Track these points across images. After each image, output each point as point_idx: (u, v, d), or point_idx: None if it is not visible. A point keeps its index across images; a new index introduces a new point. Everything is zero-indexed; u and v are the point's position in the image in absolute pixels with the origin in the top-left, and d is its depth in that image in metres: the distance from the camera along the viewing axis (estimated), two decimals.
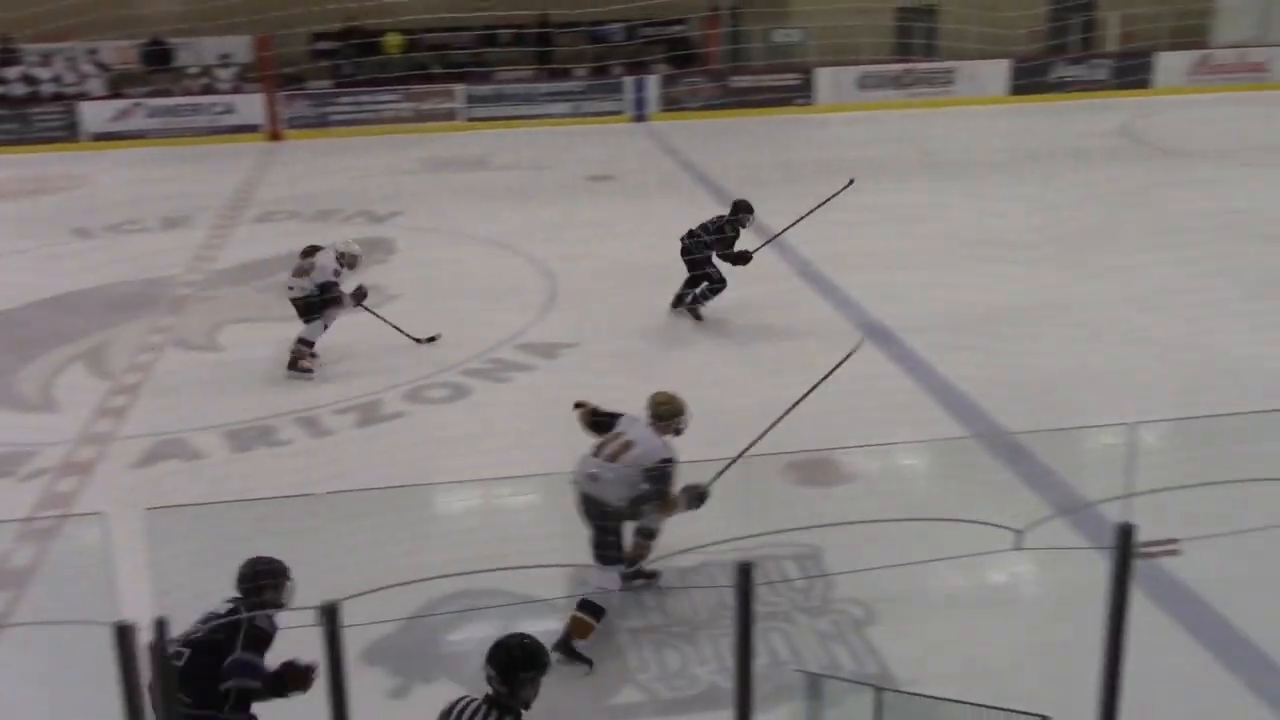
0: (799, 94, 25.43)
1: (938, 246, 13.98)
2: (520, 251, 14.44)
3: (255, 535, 6.96)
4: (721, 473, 6.42)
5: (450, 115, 24.44)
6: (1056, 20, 26.82)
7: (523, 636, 4.38)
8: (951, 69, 25.78)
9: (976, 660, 6.05)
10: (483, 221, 16.04)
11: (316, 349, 10.56)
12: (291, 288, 10.46)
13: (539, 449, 8.70)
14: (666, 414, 6.47)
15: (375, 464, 8.46)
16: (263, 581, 4.97)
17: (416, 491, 7.92)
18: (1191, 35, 27.20)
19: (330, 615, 3.24)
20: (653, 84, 25.06)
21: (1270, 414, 8.80)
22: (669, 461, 6.17)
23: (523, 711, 4.30)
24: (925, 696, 4.82)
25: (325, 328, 10.51)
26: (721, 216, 11.61)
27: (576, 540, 6.22)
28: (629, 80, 25.07)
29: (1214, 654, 6.04)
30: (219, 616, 4.81)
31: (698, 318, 11.59)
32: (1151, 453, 8.37)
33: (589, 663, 6.03)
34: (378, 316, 10.94)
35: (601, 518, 6.14)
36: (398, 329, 11.03)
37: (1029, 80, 25.88)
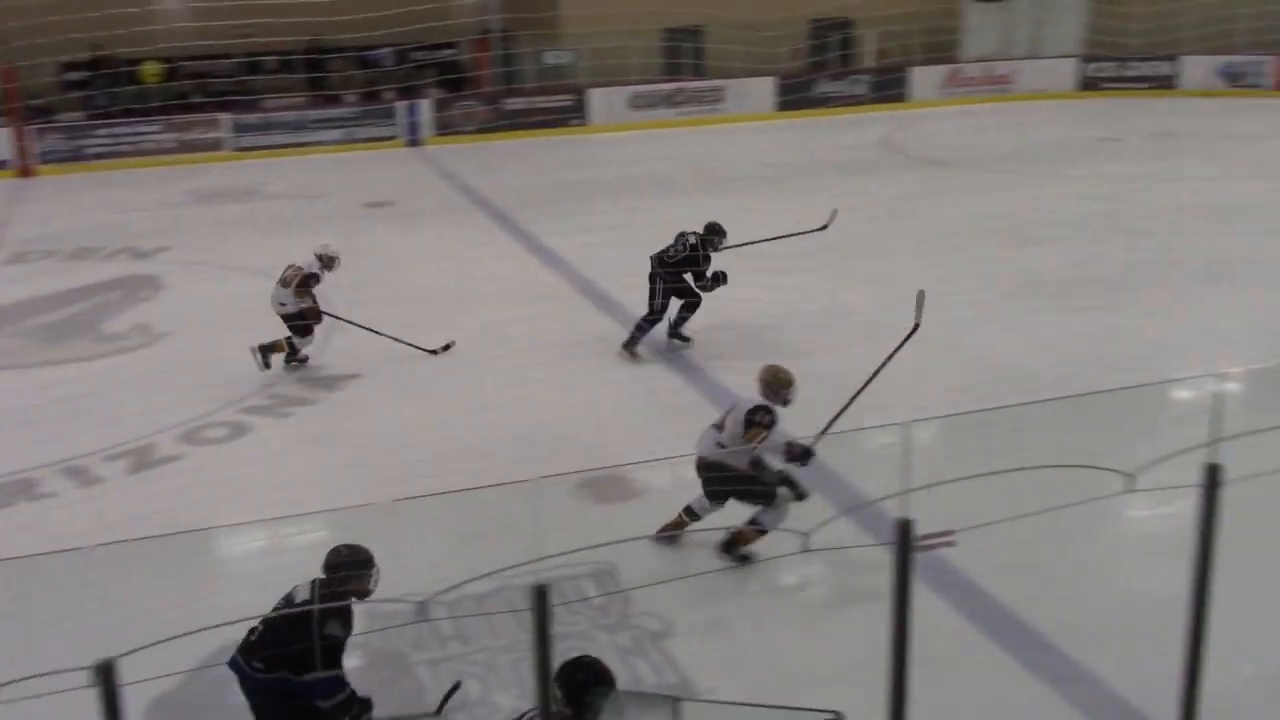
0: (573, 115, 25.63)
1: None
2: None
3: (21, 595, 6.55)
4: (825, 431, 7.32)
5: (216, 145, 23.64)
6: (816, 38, 27.87)
7: (591, 659, 4.40)
8: (720, 87, 26.45)
9: (772, 662, 6.19)
10: (255, 253, 15.52)
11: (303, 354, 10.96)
12: (284, 303, 10.63)
13: (324, 484, 8.48)
14: (775, 386, 7.28)
15: (151, 511, 8.07)
16: (347, 572, 5.16)
17: (197, 537, 7.61)
18: (942, 50, 28.67)
19: (105, 674, 3.06)
20: (426, 108, 24.83)
21: (1032, 406, 9.33)
22: (764, 408, 7.12)
23: None
24: (722, 703, 4.89)
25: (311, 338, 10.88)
26: (686, 237, 11.08)
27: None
28: (401, 105, 24.78)
29: (990, 636, 6.34)
30: (298, 603, 5.11)
31: (685, 339, 11.32)
32: (926, 449, 8.76)
33: (748, 559, 7.10)
34: (376, 332, 11.08)
35: (725, 478, 7.19)
36: (408, 343, 11.12)
37: (794, 96, 26.77)
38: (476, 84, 26.18)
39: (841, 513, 6.83)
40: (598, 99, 25.64)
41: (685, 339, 11.35)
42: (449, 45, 26.50)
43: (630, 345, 11.10)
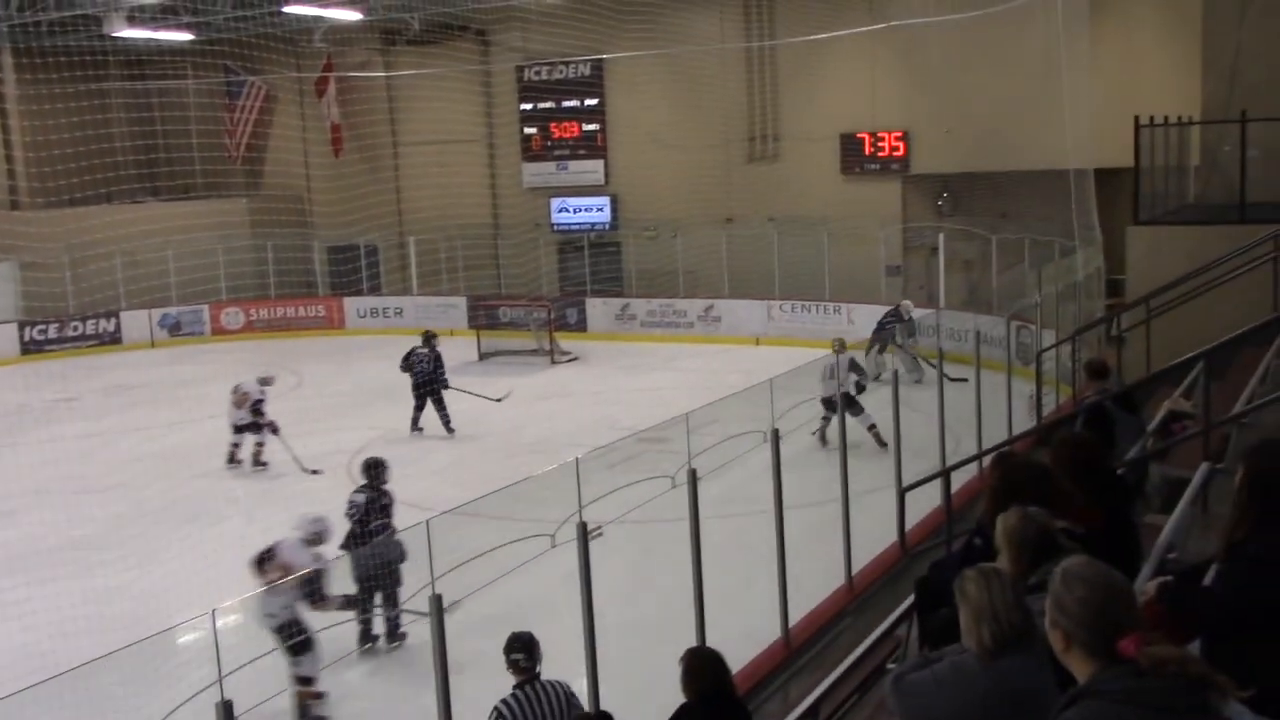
0: None
1: None
2: None
3: None
4: None
5: None
6: None
7: (524, 632, 6.67)
8: None
9: None
10: None
11: None
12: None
13: None
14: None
15: None
16: (380, 470, 10.44)
17: None
18: None
19: None
20: None
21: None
22: (860, 365, 15.74)
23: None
24: None
25: None
26: (419, 352, 16.91)
27: None
28: None
29: None
30: (367, 505, 10.17)
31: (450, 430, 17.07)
32: None
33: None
34: None
35: (843, 401, 13.04)
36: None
37: None
38: None
39: None
40: None
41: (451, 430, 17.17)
42: None
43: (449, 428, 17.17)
